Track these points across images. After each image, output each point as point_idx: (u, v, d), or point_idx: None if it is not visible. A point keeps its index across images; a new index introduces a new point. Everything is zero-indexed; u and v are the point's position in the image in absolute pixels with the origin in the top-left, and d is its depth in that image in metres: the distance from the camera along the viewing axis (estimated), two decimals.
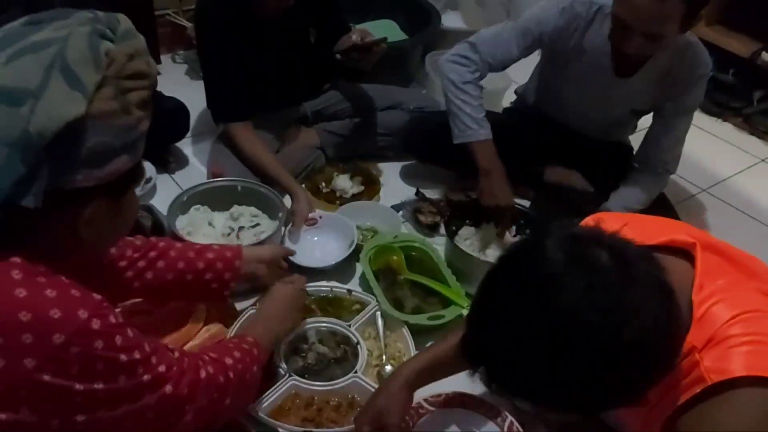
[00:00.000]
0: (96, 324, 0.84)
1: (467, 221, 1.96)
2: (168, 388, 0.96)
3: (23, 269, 0.83)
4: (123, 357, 0.88)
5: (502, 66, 1.93)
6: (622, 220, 1.02)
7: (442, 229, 1.98)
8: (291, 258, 1.70)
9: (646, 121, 2.10)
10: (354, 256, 1.81)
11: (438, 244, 1.92)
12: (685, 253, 0.99)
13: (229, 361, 1.15)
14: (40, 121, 0.78)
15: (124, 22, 0.88)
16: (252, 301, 1.60)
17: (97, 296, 0.87)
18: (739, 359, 0.88)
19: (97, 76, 0.82)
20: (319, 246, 1.88)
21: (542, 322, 0.79)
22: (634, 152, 2.12)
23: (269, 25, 2.00)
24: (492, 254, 1.87)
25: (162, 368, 0.96)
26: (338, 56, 2.02)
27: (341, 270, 1.86)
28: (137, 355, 0.91)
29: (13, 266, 0.83)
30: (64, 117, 0.79)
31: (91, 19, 0.85)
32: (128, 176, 0.90)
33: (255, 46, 2.00)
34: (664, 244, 1.00)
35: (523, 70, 2.30)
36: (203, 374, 1.06)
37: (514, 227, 1.96)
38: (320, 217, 1.89)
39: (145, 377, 0.92)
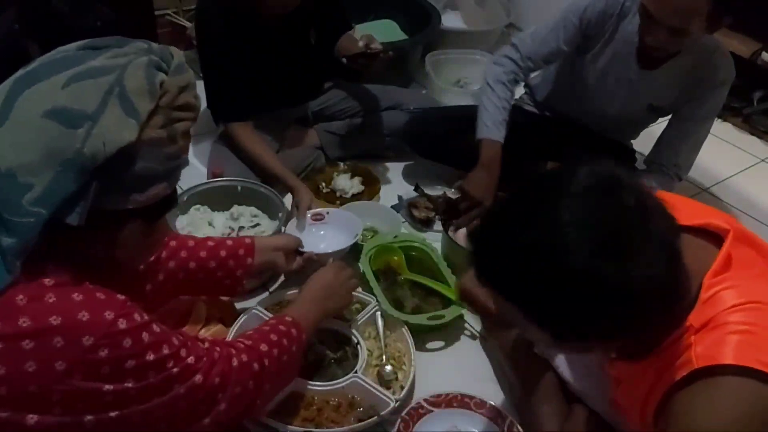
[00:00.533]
0: (122, 324, 0.86)
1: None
2: (198, 377, 0.98)
3: (54, 276, 0.86)
4: (151, 353, 0.90)
5: (545, 61, 1.97)
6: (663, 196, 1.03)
7: (437, 226, 1.98)
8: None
9: (651, 126, 2.10)
10: (355, 255, 1.81)
11: (431, 240, 1.92)
12: (718, 239, 0.99)
13: (264, 347, 1.16)
14: (95, 144, 0.82)
15: (177, 55, 0.93)
16: (254, 300, 1.60)
17: (121, 297, 0.90)
18: (729, 347, 0.87)
19: (150, 105, 0.86)
20: (325, 239, 1.86)
21: (541, 226, 0.83)
22: (636, 155, 2.11)
23: (271, 26, 2.00)
24: None
25: (191, 359, 0.97)
26: (344, 60, 2.02)
27: None
28: (165, 350, 0.93)
29: (46, 274, 0.86)
30: (118, 142, 0.83)
31: (146, 50, 0.89)
32: (165, 202, 0.94)
33: (256, 47, 2.00)
34: (699, 225, 1.00)
35: None
36: (235, 363, 1.07)
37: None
38: (327, 213, 1.88)
39: (174, 370, 0.94)
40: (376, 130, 2.26)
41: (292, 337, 1.24)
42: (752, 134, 2.79)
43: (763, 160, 2.65)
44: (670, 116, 1.98)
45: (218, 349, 1.06)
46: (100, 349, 0.84)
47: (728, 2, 1.59)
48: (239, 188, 1.89)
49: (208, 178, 2.01)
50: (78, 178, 0.82)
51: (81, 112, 0.82)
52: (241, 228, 1.81)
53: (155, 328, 0.93)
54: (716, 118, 2.77)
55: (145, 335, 0.90)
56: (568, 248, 0.80)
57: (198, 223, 1.81)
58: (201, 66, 2.07)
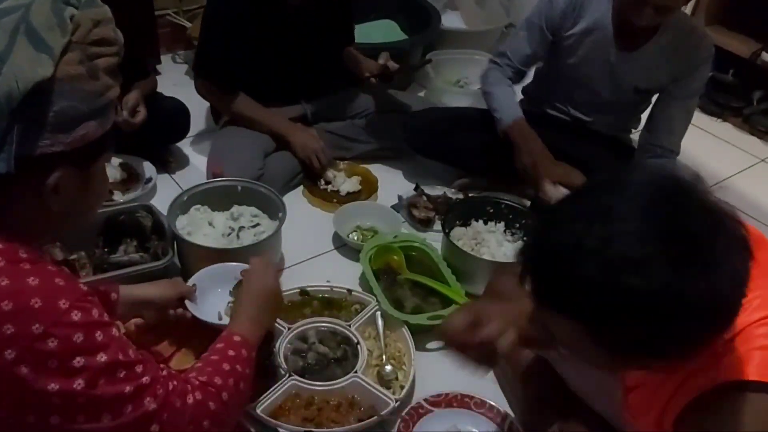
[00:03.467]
0: (76, 315, 0.83)
1: (457, 222, 1.96)
2: (152, 405, 0.91)
3: (6, 256, 0.82)
4: (103, 355, 0.85)
5: (524, 64, 2.05)
6: None
7: (437, 226, 1.98)
8: (190, 307, 1.45)
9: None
10: (353, 255, 1.81)
11: (431, 240, 1.92)
12: None
13: (218, 380, 1.08)
14: (8, 83, 0.78)
15: None
16: None
17: (83, 287, 0.86)
18: (753, 363, 0.86)
19: (63, 40, 0.82)
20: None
21: (614, 241, 0.75)
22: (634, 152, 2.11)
23: (292, 15, 2.02)
24: (486, 252, 1.87)
25: (146, 380, 0.91)
26: (372, 80, 2.16)
27: (341, 270, 1.86)
28: (120, 357, 0.88)
29: None
30: (31, 78, 0.79)
31: None
32: (96, 144, 0.89)
33: (267, 30, 2.02)
34: None
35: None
36: (191, 400, 1.00)
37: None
38: None
39: (127, 388, 0.88)
40: (376, 132, 2.27)
41: (244, 359, 1.16)
42: (752, 134, 2.79)
43: (763, 160, 2.65)
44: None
45: (175, 382, 0.98)
46: (50, 339, 0.80)
47: None
48: (239, 188, 1.88)
49: (208, 178, 2.01)
50: None
51: None
52: (241, 228, 1.81)
53: (113, 331, 0.88)
54: (716, 118, 2.82)
55: (98, 334, 0.85)
56: (648, 263, 0.74)
57: (198, 223, 1.80)
58: (202, 23, 2.10)
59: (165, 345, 1.47)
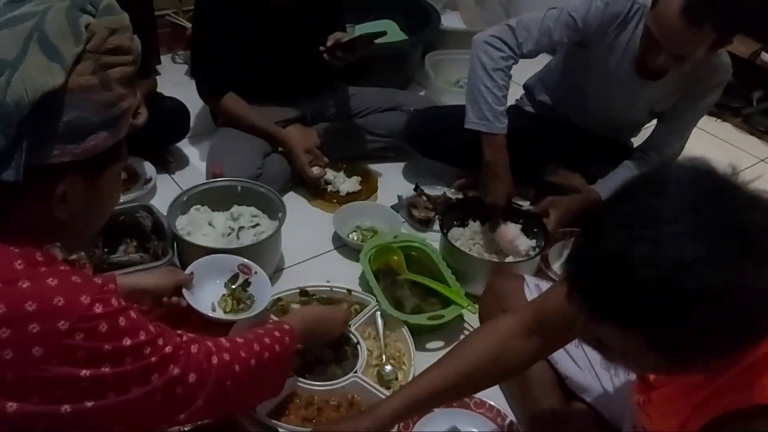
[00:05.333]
0: (98, 308, 0.84)
1: (455, 222, 1.96)
2: (175, 370, 0.95)
3: (24, 259, 0.83)
4: (128, 339, 0.88)
5: (536, 53, 1.90)
6: None
7: (436, 226, 1.99)
8: (186, 296, 1.45)
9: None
10: (353, 255, 1.81)
11: (431, 240, 1.93)
12: None
13: (256, 347, 1.14)
14: (17, 91, 0.78)
15: None
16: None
17: (98, 281, 0.88)
18: None
19: (76, 49, 0.81)
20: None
21: (664, 245, 0.73)
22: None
23: (280, 15, 2.02)
24: (483, 252, 1.87)
25: (168, 349, 0.95)
26: (325, 56, 2.01)
27: (341, 270, 1.86)
28: (143, 336, 0.90)
29: (15, 257, 0.83)
30: (41, 87, 0.78)
31: None
32: (107, 154, 0.88)
33: (260, 33, 2.02)
34: None
35: (524, 68, 2.30)
36: (215, 360, 1.04)
37: (518, 227, 1.94)
38: (256, 273, 1.59)
39: (152, 359, 0.92)
40: (376, 131, 2.27)
41: (285, 345, 1.22)
42: (752, 134, 2.79)
43: (762, 160, 2.65)
44: None
45: (196, 345, 1.02)
46: (76, 333, 0.82)
47: (734, 30, 1.62)
48: (239, 188, 1.89)
49: (208, 178, 2.01)
50: (6, 131, 0.78)
51: (0, 61, 0.79)
52: (241, 228, 1.81)
53: (132, 314, 0.90)
54: (716, 119, 2.82)
55: (121, 320, 0.87)
56: (703, 264, 0.72)
57: (198, 223, 1.80)
58: (192, 26, 2.10)
59: None
